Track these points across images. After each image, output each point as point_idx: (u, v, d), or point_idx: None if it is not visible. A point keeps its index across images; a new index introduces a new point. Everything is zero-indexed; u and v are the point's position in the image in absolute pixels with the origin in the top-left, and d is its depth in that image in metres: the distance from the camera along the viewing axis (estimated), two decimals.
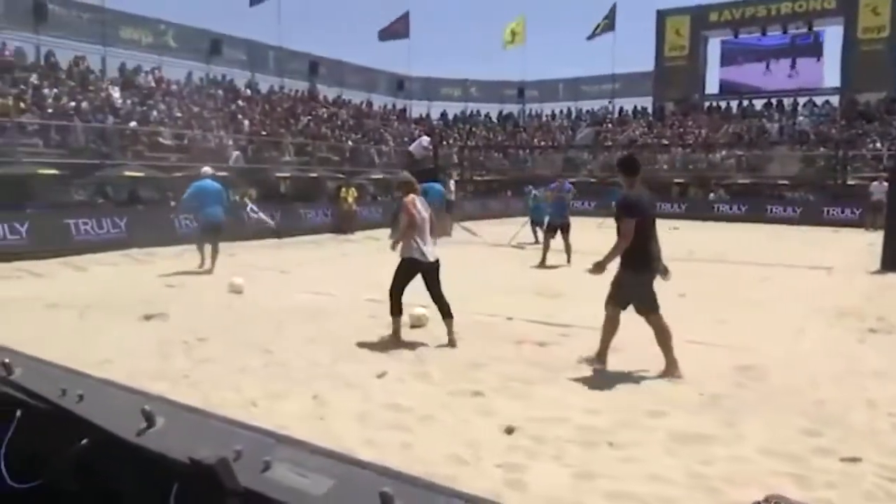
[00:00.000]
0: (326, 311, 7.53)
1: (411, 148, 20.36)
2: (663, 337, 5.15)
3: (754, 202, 25.79)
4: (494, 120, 40.80)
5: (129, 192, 18.36)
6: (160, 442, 1.06)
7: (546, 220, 12.99)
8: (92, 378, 1.34)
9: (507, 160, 34.18)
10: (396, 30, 34.92)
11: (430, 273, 6.11)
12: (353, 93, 35.54)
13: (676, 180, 29.66)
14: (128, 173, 18.24)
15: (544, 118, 40.68)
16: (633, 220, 4.99)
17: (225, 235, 11.56)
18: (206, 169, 11.81)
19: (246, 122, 25.07)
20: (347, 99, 34.78)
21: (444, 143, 32.96)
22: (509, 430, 3.97)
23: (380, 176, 26.82)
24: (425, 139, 20.65)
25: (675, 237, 18.06)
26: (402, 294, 6.17)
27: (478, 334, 6.35)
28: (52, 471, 1.23)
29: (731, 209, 26.00)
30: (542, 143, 36.32)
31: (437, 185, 16.27)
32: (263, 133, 25.02)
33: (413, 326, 6.65)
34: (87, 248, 13.16)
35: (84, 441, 1.14)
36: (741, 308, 7.89)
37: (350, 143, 28.78)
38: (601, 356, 5.35)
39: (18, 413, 1.27)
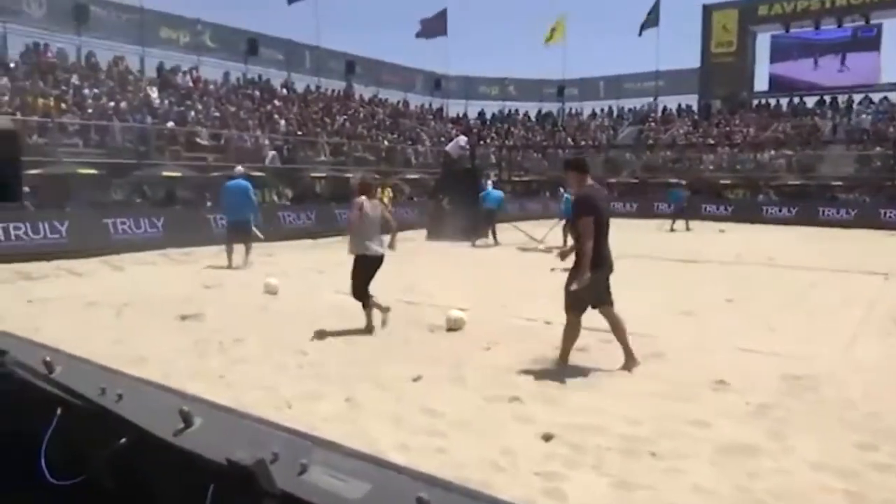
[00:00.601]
0: (361, 312, 7.55)
1: (448, 148, 20.31)
2: (618, 330, 5.36)
3: (805, 204, 25.18)
4: (533, 119, 40.65)
5: (167, 192, 18.86)
6: (197, 442, 1.08)
7: None
8: (130, 377, 1.37)
9: (545, 160, 34.02)
10: (434, 27, 35.04)
11: (375, 266, 6.82)
12: (390, 92, 35.82)
13: (723, 181, 29.14)
14: (165, 173, 18.80)
15: (584, 117, 40.37)
16: (591, 217, 5.14)
17: (251, 238, 11.78)
18: (239, 168, 12.33)
19: (282, 122, 25.47)
20: (384, 98, 35.06)
21: (482, 142, 33.02)
22: (547, 438, 3.93)
23: (416, 176, 26.96)
24: (462, 139, 20.57)
25: (721, 240, 17.79)
26: (367, 290, 6.76)
27: (515, 339, 6.33)
28: (91, 469, 1.26)
29: (780, 211, 25.43)
30: (582, 143, 36.02)
31: (496, 192, 16.19)
32: (299, 133, 25.38)
33: (449, 329, 6.67)
34: (124, 247, 13.52)
35: (123, 440, 1.17)
36: (791, 314, 7.71)
37: (386, 142, 29.01)
38: (563, 359, 5.47)
39: (59, 411, 1.30)
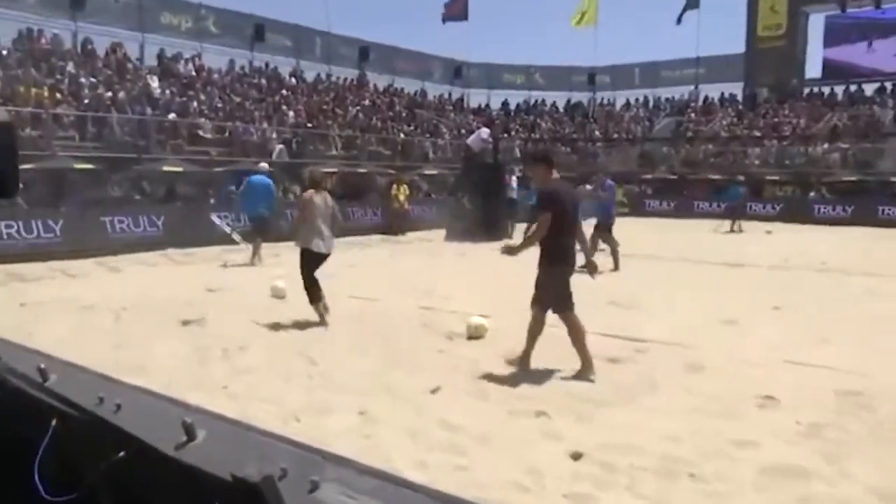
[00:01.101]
0: (375, 319, 7.65)
1: (469, 141, 20.34)
2: (577, 336, 5.52)
3: (862, 203, 24.82)
4: (561, 110, 40.53)
5: (167, 188, 19.06)
6: (201, 457, 1.08)
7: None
8: (129, 386, 1.38)
9: (575, 154, 33.91)
10: (454, 11, 35.09)
11: (321, 262, 7.41)
12: (406, 81, 35.91)
13: (770, 178, 28.80)
14: (166, 168, 18.97)
15: (618, 108, 40.17)
16: (549, 213, 5.39)
17: (268, 235, 12.18)
18: (263, 165, 13.18)
19: (290, 114, 25.65)
20: (400, 87, 35.17)
21: (506, 135, 32.95)
22: (576, 456, 3.92)
23: (434, 172, 27.00)
24: (485, 131, 20.61)
25: (768, 242, 17.63)
26: (315, 282, 7.35)
27: (542, 348, 6.28)
28: (87, 483, 1.27)
29: (834, 211, 25.10)
30: (615, 136, 35.88)
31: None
32: (309, 125, 25.54)
33: (471, 337, 6.69)
34: (122, 247, 13.71)
35: (122, 454, 1.18)
36: (846, 324, 7.60)
37: (402, 135, 29.11)
38: (524, 360, 5.66)
39: (53, 422, 1.32)
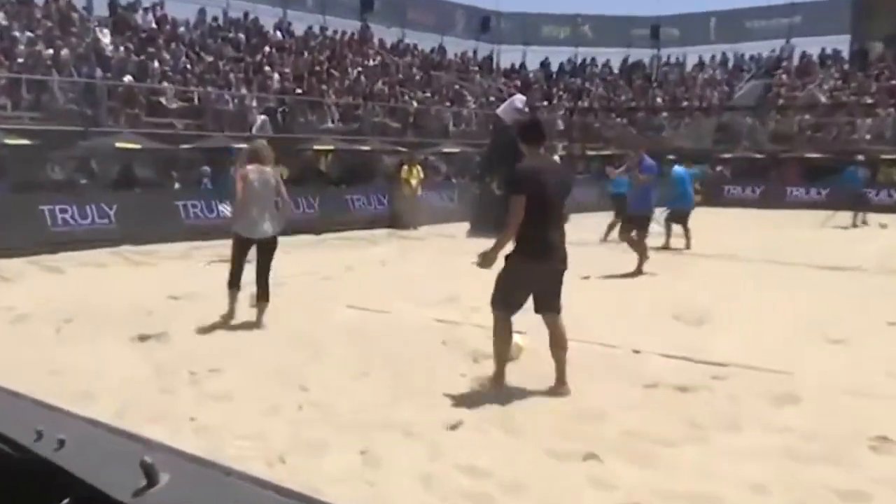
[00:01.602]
0: (381, 334, 7.63)
1: (500, 111, 20.23)
2: (559, 345, 5.79)
3: None
4: (616, 71, 40.39)
5: (122, 170, 19.18)
6: None
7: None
8: (75, 417, 1.39)
9: (633, 127, 33.80)
10: None
11: (260, 249, 8.05)
12: (421, 35, 36.00)
13: (886, 156, 28.48)
14: (120, 145, 19.10)
15: (688, 68, 39.95)
16: (522, 196, 5.57)
17: None
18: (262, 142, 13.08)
19: (275, 77, 25.79)
20: (412, 44, 35.21)
21: (546, 103, 32.95)
22: None
23: (456, 149, 27.02)
24: (519, 99, 20.48)
25: (883, 238, 17.39)
26: (241, 269, 8.15)
27: (592, 372, 6.28)
28: None
29: None
30: (685, 104, 35.70)
31: (681, 169, 15.80)
32: (298, 91, 25.66)
33: None
34: (65, 243, 13.84)
35: (65, 501, 1.18)
36: None
37: (415, 103, 29.15)
38: (497, 378, 5.89)
39: None
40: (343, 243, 16.27)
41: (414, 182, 20.13)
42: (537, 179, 5.65)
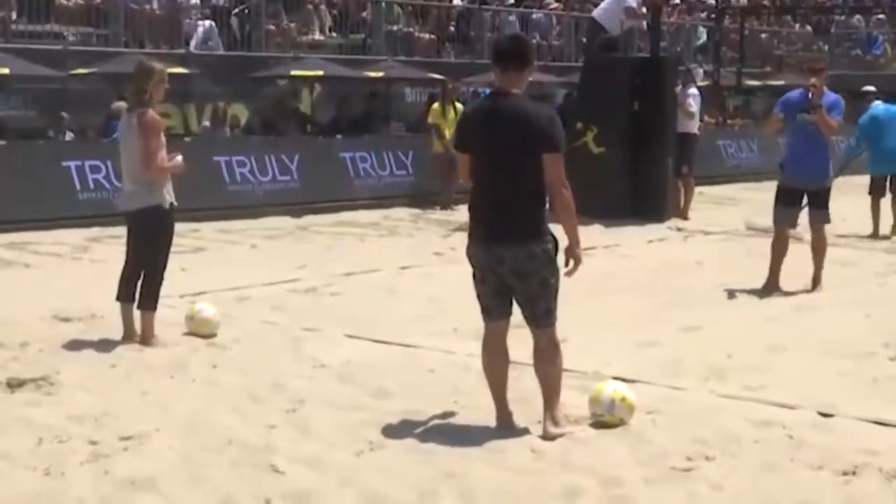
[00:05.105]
0: (398, 380, 6.15)
1: (597, 14, 15.77)
2: (539, 367, 5.04)
3: None
4: None
5: None
6: None
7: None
8: None
9: (823, 42, 28.32)
10: None
11: (127, 230, 6.79)
12: None
13: None
14: None
15: None
16: (463, 153, 5.07)
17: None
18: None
19: None
20: None
21: (680, 0, 26.74)
22: None
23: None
24: None
25: None
26: (129, 266, 6.90)
27: (742, 453, 4.80)
28: None
29: None
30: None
31: (885, 108, 12.92)
32: None
33: (597, 422, 5.25)
34: None
35: None
36: None
37: (459, 0, 23.51)
38: (501, 416, 5.08)
39: None
40: (338, 232, 13.27)
41: (451, 131, 15.17)
42: (468, 130, 5.06)
